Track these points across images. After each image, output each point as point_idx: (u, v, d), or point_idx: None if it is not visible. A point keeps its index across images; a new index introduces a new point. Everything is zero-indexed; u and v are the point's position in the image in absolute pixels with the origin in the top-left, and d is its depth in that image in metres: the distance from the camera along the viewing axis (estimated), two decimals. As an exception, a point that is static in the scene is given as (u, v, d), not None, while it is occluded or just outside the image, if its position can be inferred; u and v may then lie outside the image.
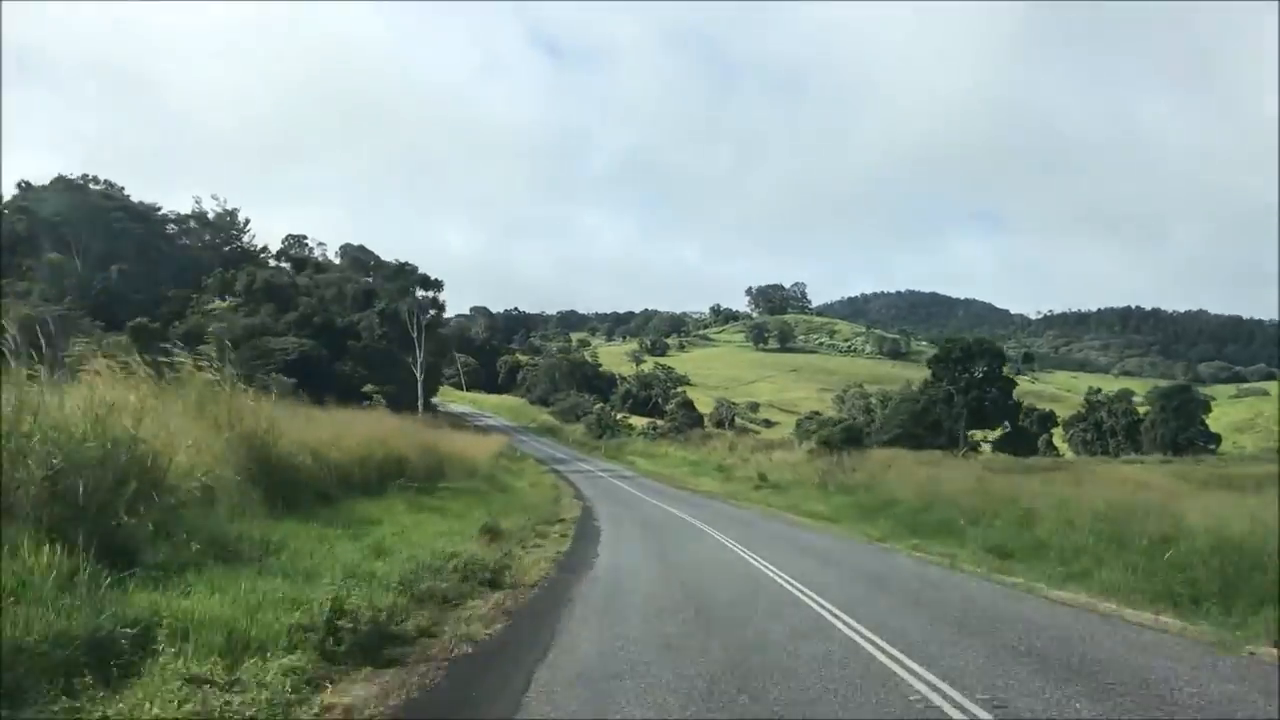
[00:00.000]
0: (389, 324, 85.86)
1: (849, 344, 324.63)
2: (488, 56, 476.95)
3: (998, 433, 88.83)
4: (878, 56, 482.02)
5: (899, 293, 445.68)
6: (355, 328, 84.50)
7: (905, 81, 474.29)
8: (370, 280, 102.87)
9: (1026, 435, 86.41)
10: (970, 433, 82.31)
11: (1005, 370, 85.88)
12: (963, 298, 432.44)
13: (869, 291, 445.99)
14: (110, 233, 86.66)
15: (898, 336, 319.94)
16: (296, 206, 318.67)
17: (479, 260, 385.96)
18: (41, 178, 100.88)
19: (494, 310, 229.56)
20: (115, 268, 79.31)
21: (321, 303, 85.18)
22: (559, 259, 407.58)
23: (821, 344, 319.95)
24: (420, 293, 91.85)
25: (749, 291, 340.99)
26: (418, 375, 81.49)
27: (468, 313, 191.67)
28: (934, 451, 69.76)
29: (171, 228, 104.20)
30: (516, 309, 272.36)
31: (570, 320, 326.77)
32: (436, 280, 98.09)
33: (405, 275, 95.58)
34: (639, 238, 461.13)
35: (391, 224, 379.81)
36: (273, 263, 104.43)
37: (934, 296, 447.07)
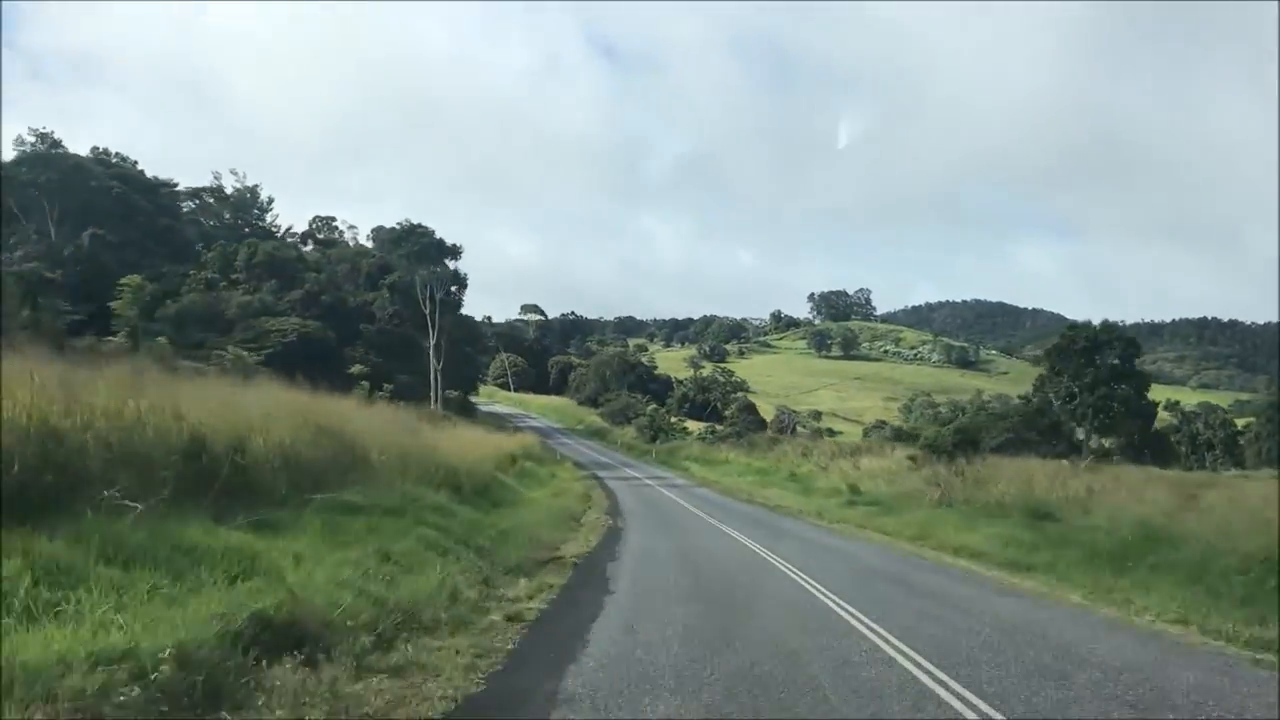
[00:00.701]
0: (406, 304, 72.64)
1: (915, 352, 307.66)
2: (546, 61, 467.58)
3: (1110, 440, 72.90)
4: (941, 58, 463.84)
5: (964, 302, 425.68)
6: (369, 308, 71.65)
7: (970, 84, 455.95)
8: (390, 257, 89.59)
9: (1161, 442, 70.45)
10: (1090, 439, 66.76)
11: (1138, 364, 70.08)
12: (1030, 307, 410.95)
13: (933, 300, 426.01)
14: (102, 202, 74.53)
15: (965, 345, 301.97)
16: (358, 210, 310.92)
17: (537, 265, 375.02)
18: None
19: (550, 315, 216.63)
20: (89, 233, 66.87)
21: (332, 280, 72.55)
22: (617, 264, 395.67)
23: (886, 352, 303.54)
24: (447, 264, 77.31)
25: (811, 297, 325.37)
26: (432, 362, 68.11)
27: (520, 315, 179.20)
28: (1058, 461, 54.06)
29: (188, 205, 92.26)
30: (573, 313, 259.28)
31: (628, 326, 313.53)
32: (454, 246, 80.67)
33: (416, 238, 79.67)
34: (698, 243, 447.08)
35: (452, 228, 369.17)
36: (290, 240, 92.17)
37: (1001, 306, 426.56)
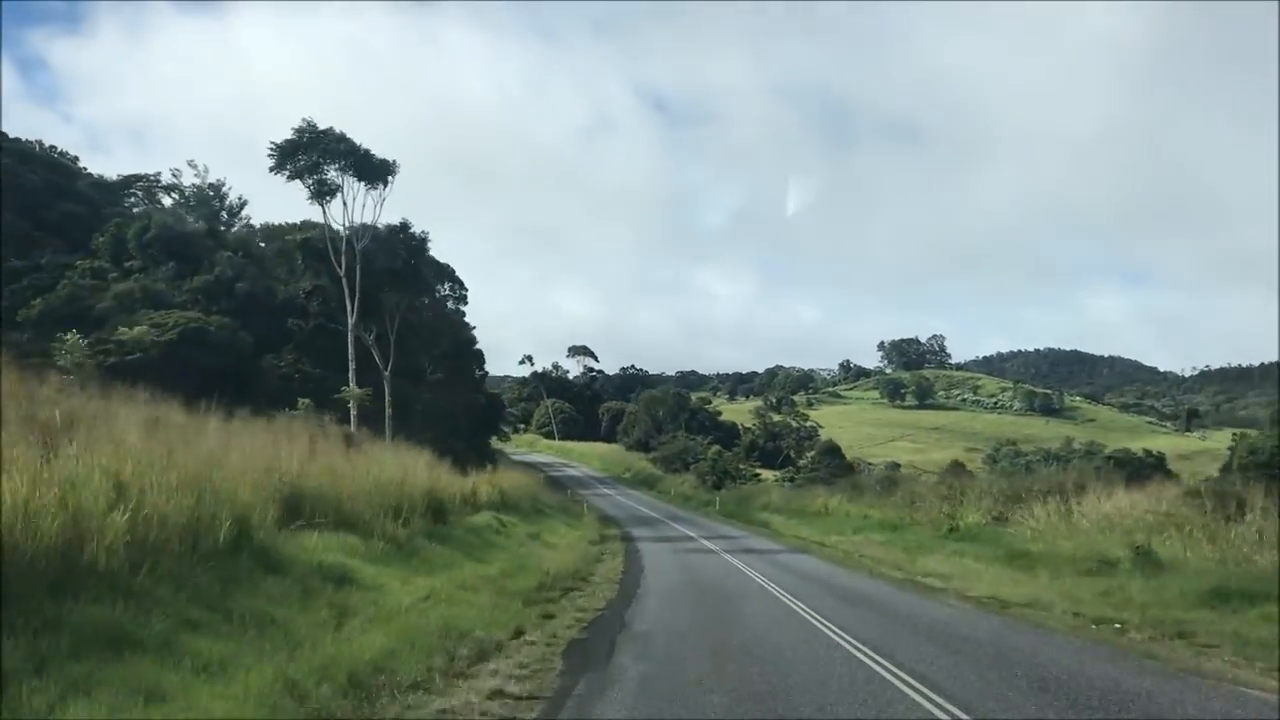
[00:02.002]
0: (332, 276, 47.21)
1: (994, 400, 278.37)
2: (594, 114, 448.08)
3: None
4: (998, 100, 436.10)
5: (1037, 351, 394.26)
6: (304, 301, 48.14)
7: (1030, 126, 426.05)
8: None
9: None
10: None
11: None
12: (1106, 355, 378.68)
13: (1004, 350, 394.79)
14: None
15: (1049, 392, 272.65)
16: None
17: (595, 323, 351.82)
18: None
19: (608, 369, 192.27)
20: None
21: (261, 265, 49.64)
22: (676, 319, 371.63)
23: (964, 400, 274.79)
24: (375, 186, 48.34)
25: (881, 346, 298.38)
26: (353, 364, 43.29)
27: (568, 358, 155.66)
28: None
29: (137, 203, 70.44)
30: (634, 366, 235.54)
31: (690, 380, 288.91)
32: (385, 162, 47.49)
33: (318, 144, 46.14)
34: (758, 296, 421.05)
35: (509, 288, 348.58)
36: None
37: (1075, 354, 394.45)
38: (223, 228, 67.34)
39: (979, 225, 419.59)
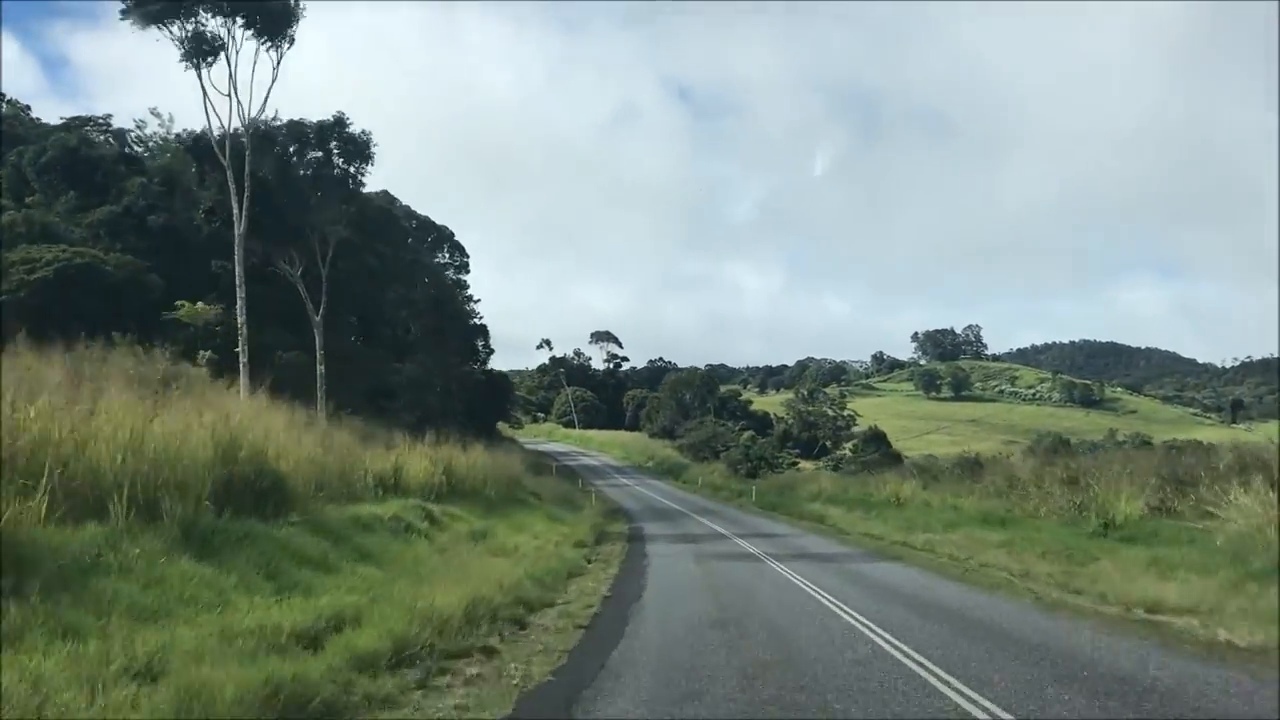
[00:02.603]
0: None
1: (1033, 392, 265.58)
2: (619, 106, 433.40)
3: None
4: (1031, 88, 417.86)
5: (1072, 343, 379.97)
6: (202, 223, 37.24)
7: (1064, 115, 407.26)
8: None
9: None
10: None
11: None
12: (1143, 347, 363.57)
13: (1038, 342, 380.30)
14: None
15: (1089, 383, 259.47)
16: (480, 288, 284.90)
17: (623, 317, 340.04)
18: None
19: (636, 362, 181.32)
20: None
21: (185, 194, 39.01)
22: (705, 313, 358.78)
23: (1002, 392, 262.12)
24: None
25: (915, 337, 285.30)
26: (239, 309, 31.08)
27: (591, 344, 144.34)
28: None
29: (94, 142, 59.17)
30: (662, 359, 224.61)
31: (720, 374, 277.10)
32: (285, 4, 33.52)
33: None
34: (786, 288, 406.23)
35: (535, 284, 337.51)
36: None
37: (1112, 346, 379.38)
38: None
39: (1010, 217, 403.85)
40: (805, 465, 76.45)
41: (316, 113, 38.72)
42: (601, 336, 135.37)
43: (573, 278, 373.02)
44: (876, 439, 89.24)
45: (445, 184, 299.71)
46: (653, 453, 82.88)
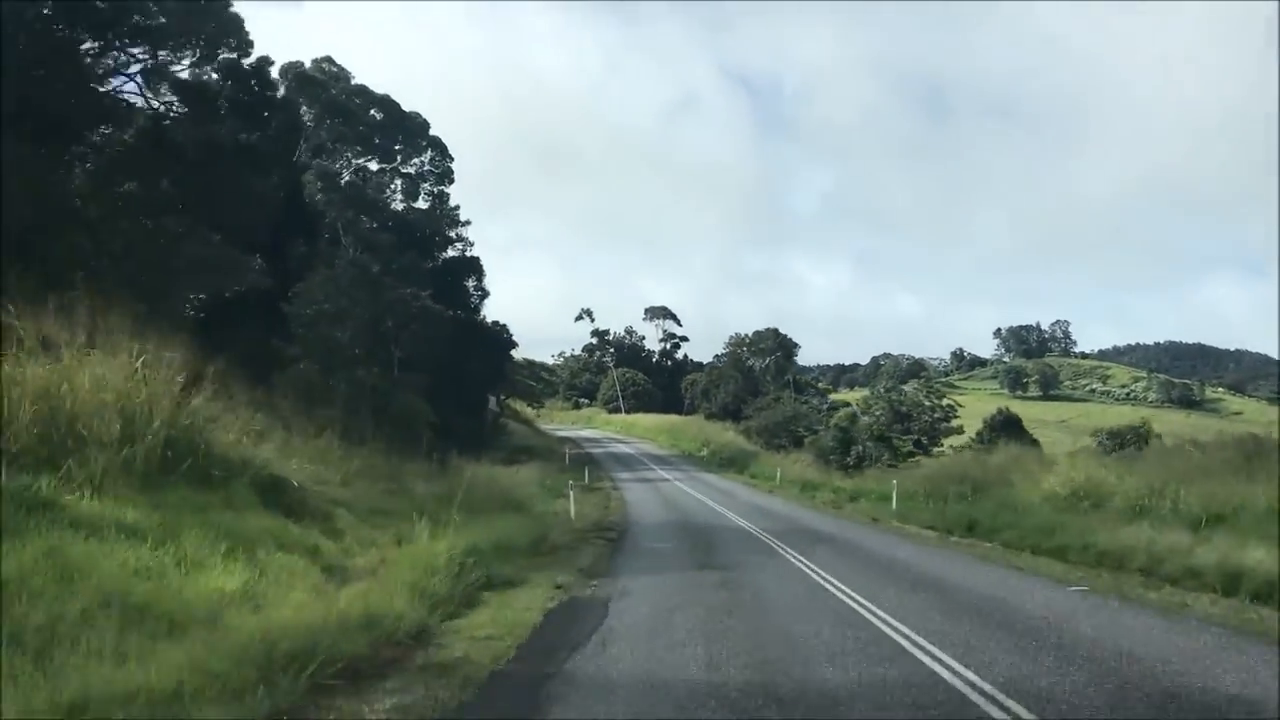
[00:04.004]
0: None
1: (1126, 391, 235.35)
2: (679, 94, 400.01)
3: None
4: (1107, 73, 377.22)
5: (1157, 344, 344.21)
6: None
7: (1141, 103, 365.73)
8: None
9: None
10: None
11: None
12: (1232, 348, 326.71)
13: (1120, 343, 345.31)
14: None
15: (1189, 382, 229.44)
16: (502, 261, 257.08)
17: (686, 313, 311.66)
18: None
19: (699, 357, 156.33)
20: None
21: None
22: (770, 309, 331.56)
23: (1093, 391, 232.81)
24: None
25: (997, 333, 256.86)
26: None
27: (649, 326, 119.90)
28: None
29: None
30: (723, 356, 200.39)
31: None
32: None
33: None
34: (854, 284, 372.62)
35: (598, 275, 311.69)
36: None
37: (1199, 347, 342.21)
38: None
39: (1085, 210, 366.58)
40: (922, 458, 51.87)
41: None
42: (657, 312, 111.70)
43: (631, 270, 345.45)
44: (1009, 424, 63.96)
45: (505, 178, 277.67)
46: (708, 437, 59.05)
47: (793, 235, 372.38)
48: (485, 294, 50.59)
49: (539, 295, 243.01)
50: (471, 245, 50.21)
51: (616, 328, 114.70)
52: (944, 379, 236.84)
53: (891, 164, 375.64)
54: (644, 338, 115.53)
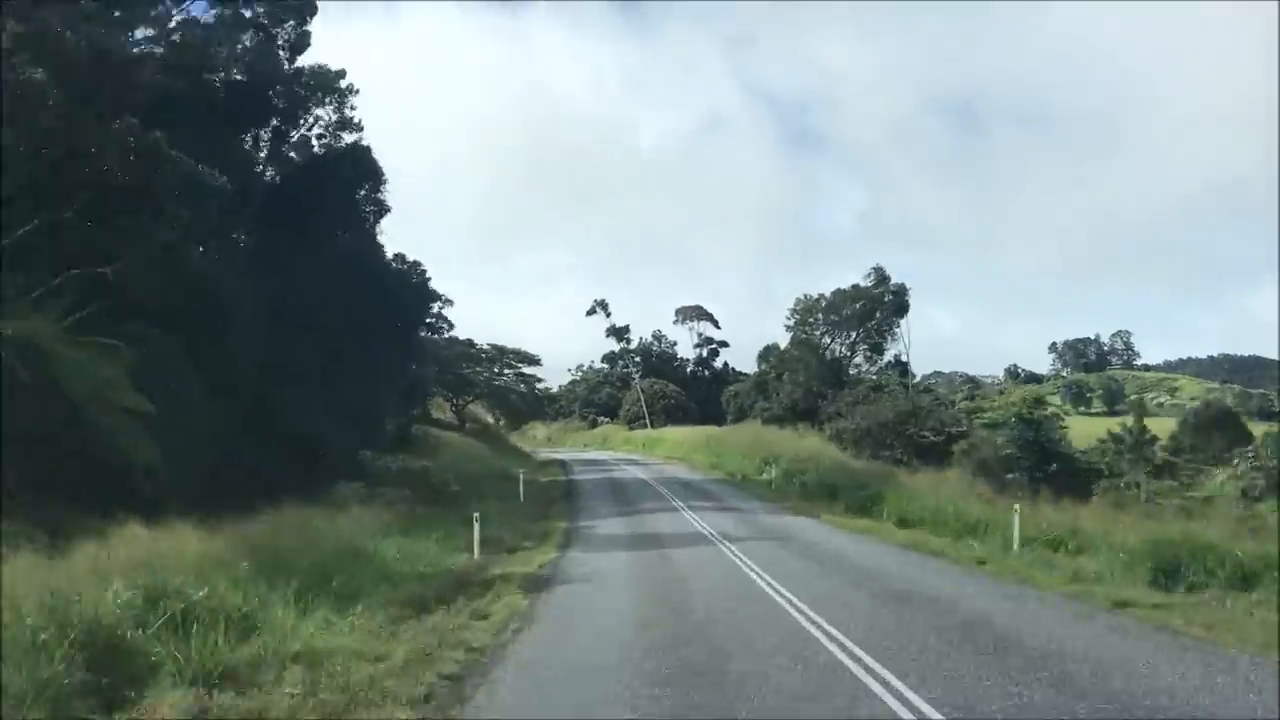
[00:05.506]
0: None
1: (1197, 401, 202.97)
2: (703, 113, 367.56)
3: None
4: (1145, 70, 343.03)
5: (1210, 358, 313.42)
6: None
7: (1181, 100, 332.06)
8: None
9: None
10: None
11: None
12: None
13: (1172, 358, 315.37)
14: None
15: (1266, 393, 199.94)
16: (536, 292, 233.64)
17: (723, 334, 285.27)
18: None
19: (741, 367, 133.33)
20: None
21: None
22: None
23: (1161, 405, 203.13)
24: None
25: (1053, 347, 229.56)
26: None
27: (682, 330, 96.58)
28: None
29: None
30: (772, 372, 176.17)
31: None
32: None
33: None
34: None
35: (631, 301, 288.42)
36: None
37: (1255, 359, 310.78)
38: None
39: (1129, 219, 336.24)
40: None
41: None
42: (690, 313, 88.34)
43: (664, 295, 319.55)
44: (1221, 421, 40.66)
45: (530, 207, 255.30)
46: (774, 450, 34.98)
47: (827, 255, 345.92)
48: (383, 209, 28.32)
49: (569, 325, 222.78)
50: (359, 128, 27.92)
51: (644, 334, 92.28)
52: (1000, 395, 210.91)
53: (925, 179, 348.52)
54: (675, 344, 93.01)
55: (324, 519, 14.70)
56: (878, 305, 48.60)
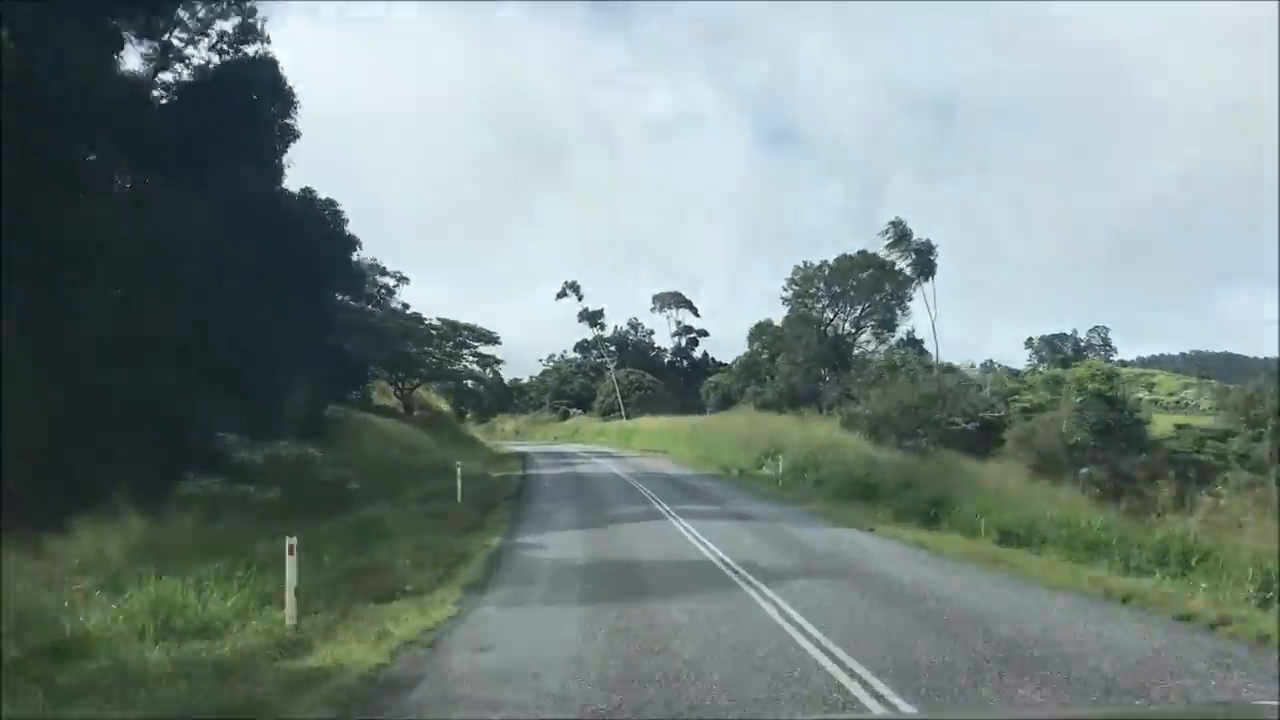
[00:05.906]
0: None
1: (1175, 399, 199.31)
2: (681, 110, 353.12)
3: None
4: (1128, 60, 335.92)
5: (1183, 354, 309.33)
6: None
7: (1161, 93, 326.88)
8: None
9: None
10: None
11: None
12: (1262, 356, 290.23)
13: (1145, 354, 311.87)
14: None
15: (1247, 388, 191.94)
16: (510, 291, 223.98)
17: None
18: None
19: (722, 356, 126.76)
20: None
21: None
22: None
23: (1140, 400, 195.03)
24: None
25: (1029, 343, 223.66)
26: None
27: (660, 318, 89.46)
28: None
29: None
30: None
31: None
32: None
33: None
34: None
35: (606, 292, 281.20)
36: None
37: (1227, 356, 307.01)
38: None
39: (1103, 218, 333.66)
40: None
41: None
42: (668, 300, 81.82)
43: (640, 286, 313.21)
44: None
45: (486, 188, 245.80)
46: (777, 441, 28.81)
47: (805, 251, 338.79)
48: (292, 135, 21.82)
49: (539, 314, 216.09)
50: (266, 39, 21.42)
51: (620, 323, 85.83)
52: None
53: (897, 177, 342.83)
54: (653, 332, 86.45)
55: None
56: (889, 274, 42.16)
